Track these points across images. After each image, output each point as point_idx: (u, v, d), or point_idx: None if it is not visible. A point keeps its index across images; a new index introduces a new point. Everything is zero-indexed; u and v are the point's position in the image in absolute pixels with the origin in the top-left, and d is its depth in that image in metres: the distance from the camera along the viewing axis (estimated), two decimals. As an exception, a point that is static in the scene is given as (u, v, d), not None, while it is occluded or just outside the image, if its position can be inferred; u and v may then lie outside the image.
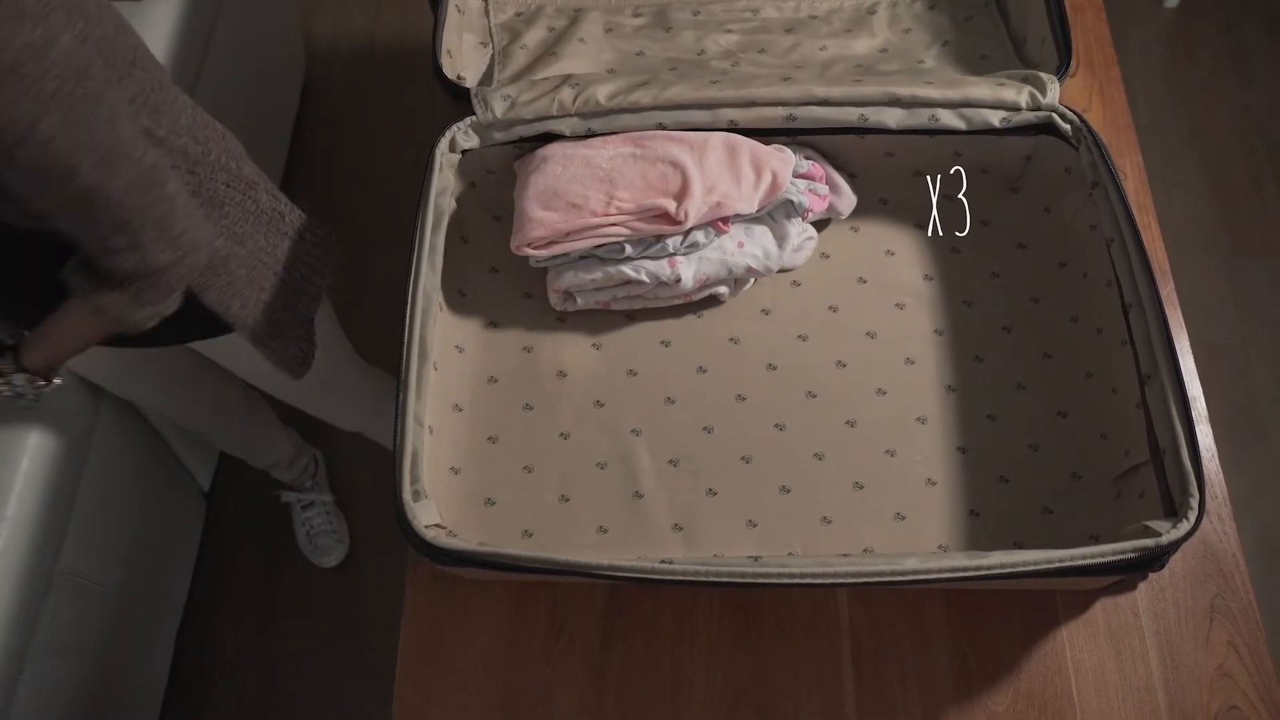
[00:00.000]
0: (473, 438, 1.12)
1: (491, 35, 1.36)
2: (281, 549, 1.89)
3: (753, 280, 1.21)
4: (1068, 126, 1.15)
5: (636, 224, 1.13)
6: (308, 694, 1.77)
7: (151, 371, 1.38)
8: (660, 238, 1.14)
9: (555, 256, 1.15)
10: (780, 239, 1.18)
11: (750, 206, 1.14)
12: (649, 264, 1.15)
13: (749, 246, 1.17)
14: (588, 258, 1.16)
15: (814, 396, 1.15)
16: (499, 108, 1.16)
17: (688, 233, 1.14)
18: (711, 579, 0.87)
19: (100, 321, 0.97)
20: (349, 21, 2.54)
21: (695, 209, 1.11)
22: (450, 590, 1.04)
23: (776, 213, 1.19)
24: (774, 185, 1.15)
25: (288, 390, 1.37)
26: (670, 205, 1.11)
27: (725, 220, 1.15)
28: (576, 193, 1.13)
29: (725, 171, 1.14)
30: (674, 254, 1.15)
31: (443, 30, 1.23)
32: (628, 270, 1.14)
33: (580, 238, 1.13)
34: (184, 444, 1.76)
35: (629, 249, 1.15)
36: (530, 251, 1.15)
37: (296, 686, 1.78)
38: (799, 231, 1.19)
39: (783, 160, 1.16)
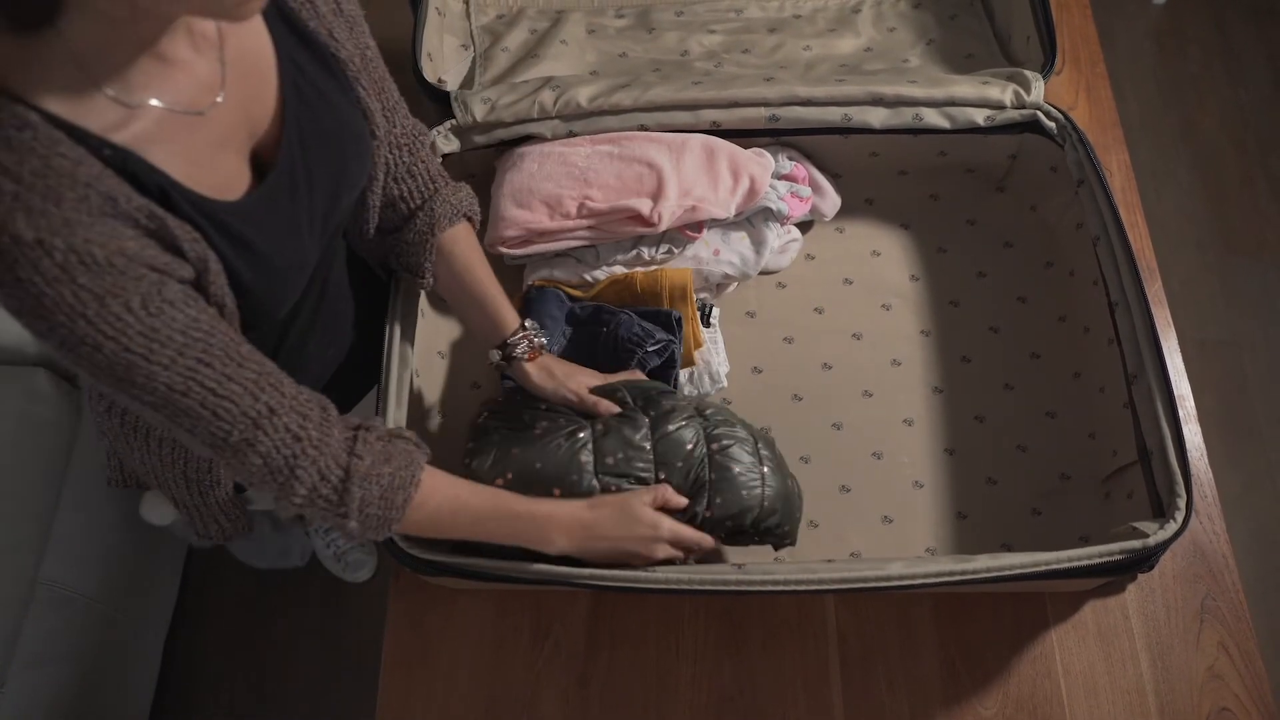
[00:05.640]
0: (455, 444, 1.11)
1: (473, 38, 1.35)
2: (270, 557, 1.88)
3: (734, 285, 1.20)
4: (1052, 124, 1.14)
5: (609, 226, 1.12)
6: (296, 702, 1.76)
7: None
8: (636, 242, 1.13)
9: (529, 255, 1.14)
10: (758, 244, 1.17)
11: (727, 211, 1.13)
12: (623, 271, 1.14)
13: (725, 254, 1.16)
14: (563, 256, 1.15)
15: (799, 399, 1.14)
16: (479, 111, 1.15)
17: (662, 236, 1.13)
18: (694, 588, 0.86)
19: None
20: (335, 25, 2.52)
21: (669, 211, 1.10)
22: (433, 599, 1.03)
23: (755, 218, 1.18)
24: (752, 190, 1.13)
25: None
26: (644, 206, 1.10)
27: (698, 228, 1.14)
28: (549, 191, 1.12)
29: (702, 175, 1.13)
30: (649, 264, 1.14)
31: (422, 33, 1.22)
32: (600, 276, 1.14)
33: (554, 239, 1.12)
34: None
35: (601, 253, 1.14)
36: (504, 250, 1.14)
37: (285, 695, 1.76)
38: (777, 236, 1.18)
39: (762, 165, 1.15)
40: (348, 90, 0.85)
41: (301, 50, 0.80)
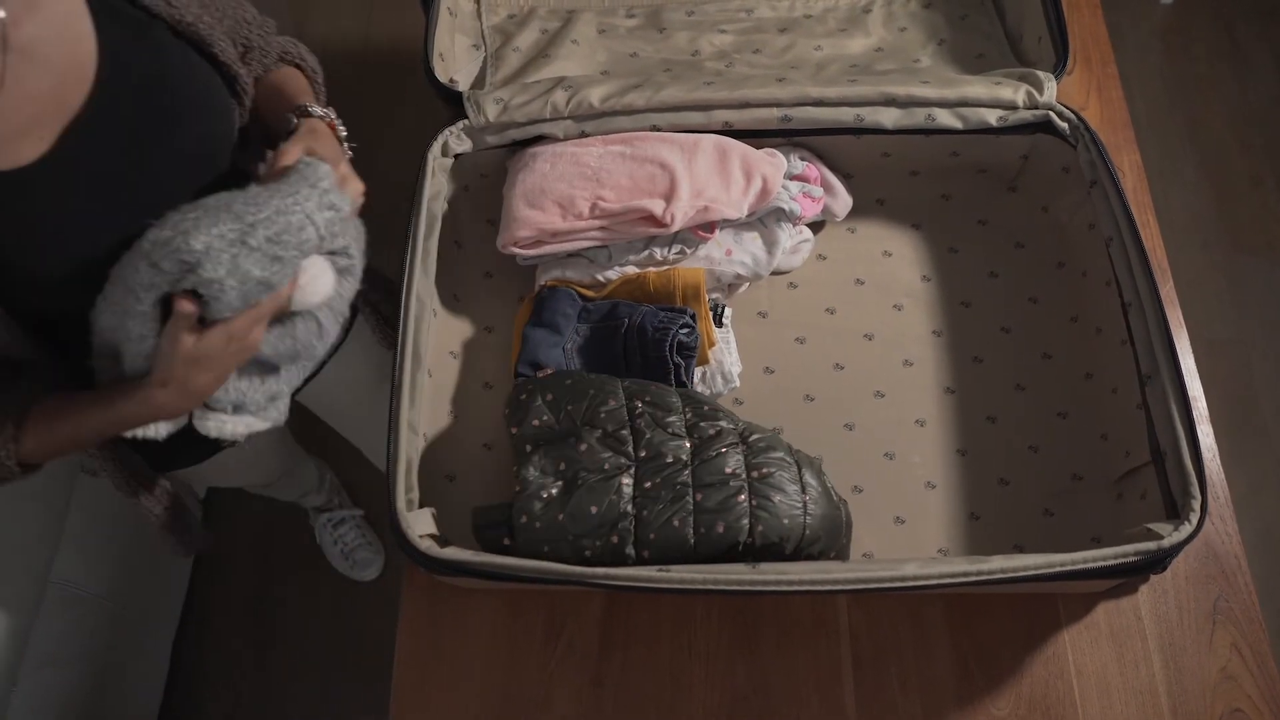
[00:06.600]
0: (468, 445, 1.11)
1: (484, 38, 1.35)
2: (278, 556, 1.88)
3: (746, 285, 1.20)
4: (1065, 125, 1.14)
5: (621, 227, 1.12)
6: (305, 703, 1.76)
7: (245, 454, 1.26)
8: (648, 242, 1.13)
9: (541, 256, 1.14)
10: (770, 244, 1.17)
11: (739, 211, 1.13)
12: (635, 271, 1.14)
13: (737, 254, 1.16)
14: (575, 256, 1.15)
15: (811, 400, 1.14)
16: (491, 111, 1.15)
17: (674, 236, 1.13)
18: (709, 587, 0.86)
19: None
20: (341, 25, 2.53)
21: (682, 211, 1.10)
22: (447, 598, 1.03)
23: (767, 218, 1.18)
24: (764, 190, 1.13)
25: (355, 412, 1.36)
26: (657, 207, 1.10)
27: (710, 228, 1.14)
28: (562, 191, 1.12)
29: (715, 175, 1.13)
30: (661, 264, 1.14)
31: (434, 33, 1.22)
32: (612, 276, 1.14)
33: (566, 240, 1.12)
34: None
35: (614, 253, 1.14)
36: (516, 250, 1.14)
37: (293, 695, 1.77)
38: (789, 236, 1.18)
39: (774, 165, 1.15)
40: (200, 53, 0.86)
41: (132, 28, 0.81)
